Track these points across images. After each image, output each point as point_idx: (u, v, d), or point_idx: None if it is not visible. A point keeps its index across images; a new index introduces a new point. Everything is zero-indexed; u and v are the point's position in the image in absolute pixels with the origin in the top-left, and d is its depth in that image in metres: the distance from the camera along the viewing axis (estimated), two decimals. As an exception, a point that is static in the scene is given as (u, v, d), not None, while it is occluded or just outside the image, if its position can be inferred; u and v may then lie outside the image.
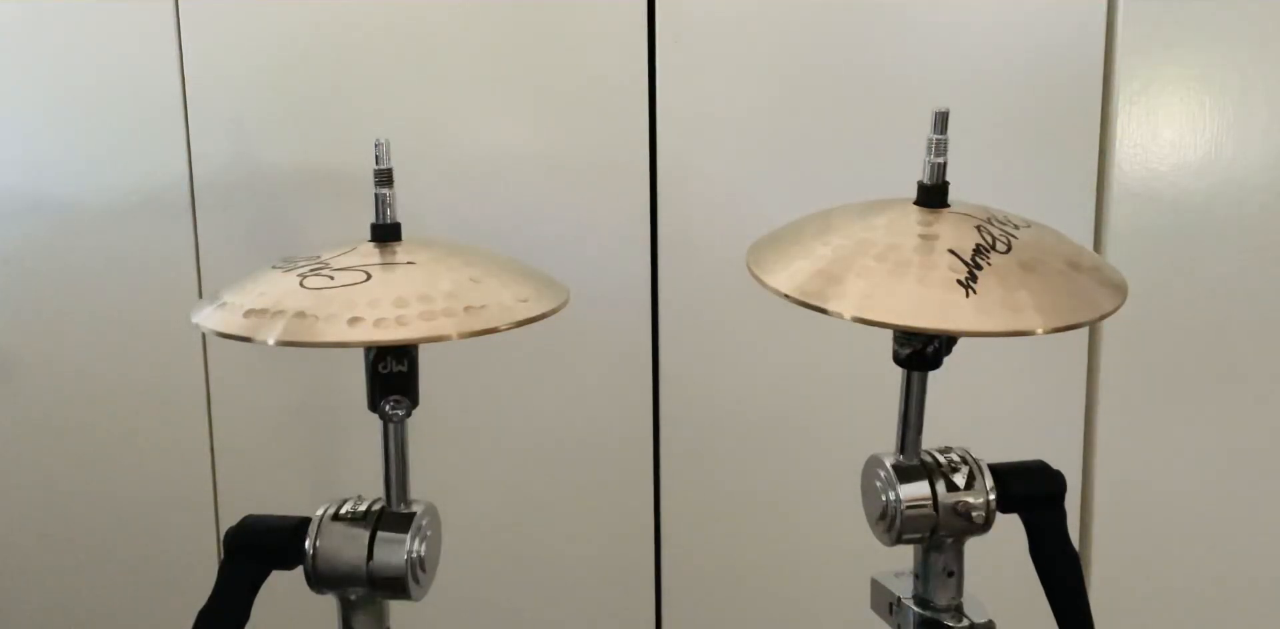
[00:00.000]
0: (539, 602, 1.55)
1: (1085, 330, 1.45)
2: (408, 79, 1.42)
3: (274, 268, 0.97)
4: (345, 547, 0.95)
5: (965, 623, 1.01)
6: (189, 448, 1.52)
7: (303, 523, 0.97)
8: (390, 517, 0.97)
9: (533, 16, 1.40)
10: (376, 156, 0.98)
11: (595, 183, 1.43)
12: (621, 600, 1.54)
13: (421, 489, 1.00)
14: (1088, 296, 0.94)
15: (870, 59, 1.41)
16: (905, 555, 1.04)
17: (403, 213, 1.00)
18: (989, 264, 0.92)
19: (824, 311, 0.90)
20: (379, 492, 0.98)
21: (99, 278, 1.48)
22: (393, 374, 0.95)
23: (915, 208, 0.98)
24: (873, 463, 1.03)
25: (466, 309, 0.91)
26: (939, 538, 1.00)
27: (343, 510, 0.97)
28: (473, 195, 1.44)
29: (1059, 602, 1.02)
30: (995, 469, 1.01)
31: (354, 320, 0.89)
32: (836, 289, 0.91)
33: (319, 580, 0.96)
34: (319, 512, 0.97)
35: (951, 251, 0.92)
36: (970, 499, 0.99)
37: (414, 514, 0.97)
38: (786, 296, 0.92)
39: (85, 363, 1.51)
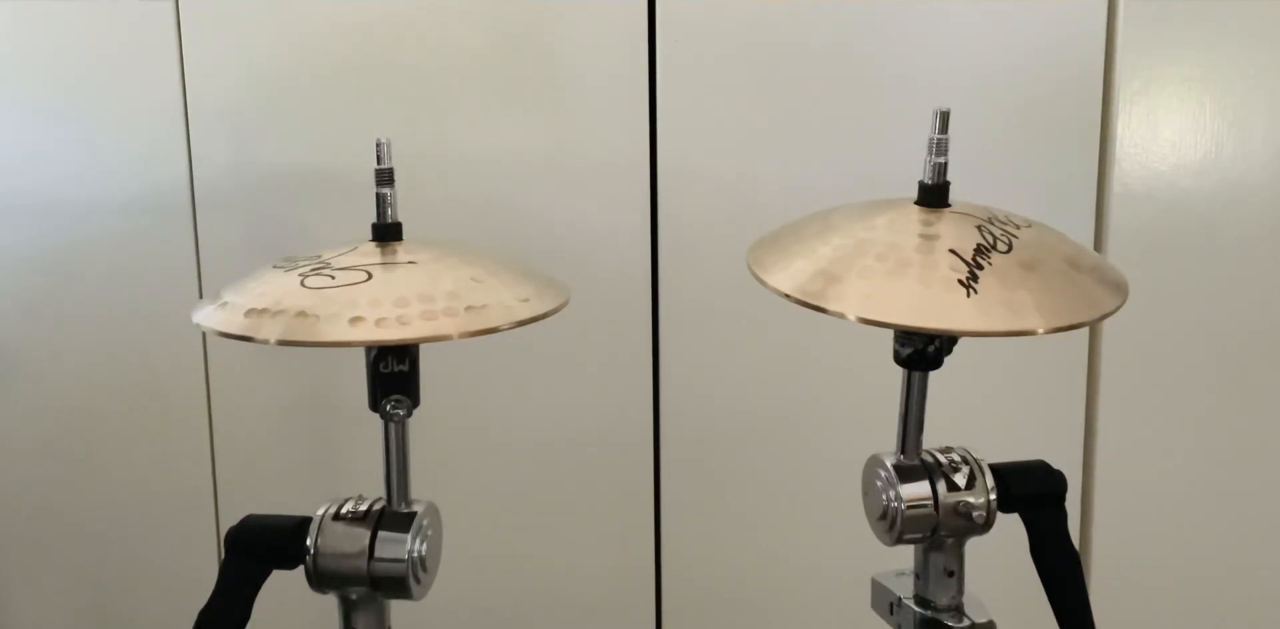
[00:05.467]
0: (539, 601, 1.55)
1: (1085, 330, 1.45)
2: (408, 79, 1.42)
3: (275, 267, 0.97)
4: (346, 546, 0.95)
5: (965, 623, 1.01)
6: (189, 447, 1.52)
7: (304, 522, 0.97)
8: (391, 516, 0.97)
9: (533, 16, 1.40)
10: (378, 156, 0.98)
11: (595, 183, 1.43)
12: (622, 600, 1.54)
13: (422, 489, 1.00)
14: (1088, 296, 0.94)
15: (871, 59, 1.41)
16: (905, 555, 1.04)
17: (403, 212, 1.00)
18: (990, 264, 0.92)
19: (825, 311, 0.90)
20: (380, 491, 0.99)
21: (99, 277, 1.48)
22: (394, 374, 0.95)
23: (916, 208, 0.98)
24: (873, 463, 1.03)
25: (468, 309, 0.91)
26: (939, 538, 1.00)
27: (343, 510, 0.97)
28: (473, 195, 1.44)
29: (1059, 602, 1.02)
30: (996, 469, 1.01)
31: (355, 320, 0.89)
32: (837, 289, 0.91)
33: (320, 580, 0.96)
34: (320, 511, 0.97)
35: (952, 251, 0.92)
36: (971, 499, 0.99)
37: (415, 514, 0.97)
38: (787, 296, 0.92)
39: (86, 362, 1.51)
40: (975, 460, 1.01)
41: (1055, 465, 1.04)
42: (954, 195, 0.99)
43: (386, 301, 0.90)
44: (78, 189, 1.46)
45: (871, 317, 0.89)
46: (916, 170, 0.99)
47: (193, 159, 1.45)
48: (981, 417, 1.43)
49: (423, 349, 0.95)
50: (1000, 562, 1.03)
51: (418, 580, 0.97)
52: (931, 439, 1.02)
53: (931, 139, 0.97)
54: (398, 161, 0.99)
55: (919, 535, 1.00)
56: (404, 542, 0.95)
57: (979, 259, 0.92)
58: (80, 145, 1.45)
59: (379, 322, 0.89)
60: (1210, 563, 1.52)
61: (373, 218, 0.99)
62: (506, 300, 0.93)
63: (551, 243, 1.42)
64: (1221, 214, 1.43)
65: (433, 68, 1.42)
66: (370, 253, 0.97)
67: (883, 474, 1.01)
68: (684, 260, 1.44)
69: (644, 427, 1.49)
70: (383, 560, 0.95)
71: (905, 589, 1.04)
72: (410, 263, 0.96)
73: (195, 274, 1.47)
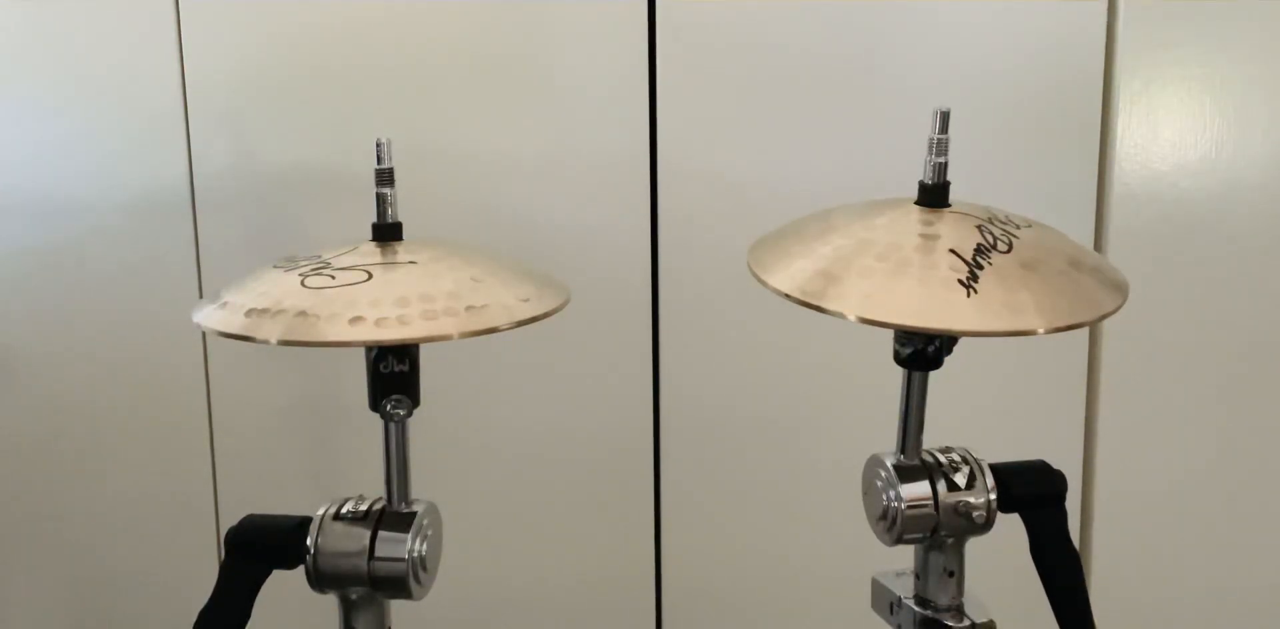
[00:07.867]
0: (539, 601, 1.55)
1: (1085, 330, 1.45)
2: (408, 78, 1.42)
3: (275, 267, 0.97)
4: (346, 546, 0.96)
5: (966, 623, 1.01)
6: (189, 448, 1.52)
7: (304, 522, 0.97)
8: (391, 516, 0.97)
9: (533, 16, 1.40)
10: (378, 156, 0.98)
11: (595, 183, 1.43)
12: (622, 600, 1.54)
13: (422, 489, 1.00)
14: (1088, 297, 0.94)
15: (871, 59, 1.41)
16: (905, 555, 1.04)
17: (403, 212, 1.00)
18: (990, 264, 0.92)
19: (825, 311, 0.90)
20: (380, 491, 0.99)
21: (99, 277, 1.48)
22: (394, 373, 0.95)
23: (916, 207, 0.98)
24: (873, 463, 1.03)
25: (468, 309, 0.91)
26: (940, 538, 1.00)
27: (344, 510, 0.97)
28: (473, 195, 1.44)
29: (1059, 602, 1.02)
30: (996, 469, 1.01)
31: (355, 320, 0.89)
32: (837, 289, 0.91)
33: (320, 580, 0.96)
34: (320, 511, 0.97)
35: (952, 251, 0.93)
36: (971, 499, 0.99)
37: (415, 513, 0.98)
38: (787, 296, 0.92)
39: (86, 362, 1.51)
40: (975, 460, 1.01)
41: (1055, 465, 1.04)
42: (954, 195, 0.99)
43: (386, 301, 0.90)
44: (77, 188, 1.46)
45: (871, 316, 0.89)
46: (916, 170, 0.99)
47: (193, 159, 1.44)
48: (981, 417, 1.43)
49: (423, 349, 0.95)
50: (1000, 562, 1.03)
51: (418, 580, 0.97)
52: (931, 439, 1.02)
53: (931, 139, 0.97)
54: (398, 161, 0.99)
55: (919, 535, 1.00)
56: (404, 542, 0.95)
57: (979, 259, 0.92)
58: (80, 145, 1.45)
59: (379, 321, 0.89)
60: (1210, 563, 1.52)
61: (373, 218, 0.99)
62: (506, 300, 0.93)
63: (551, 243, 1.41)
64: (1221, 214, 1.43)
65: (433, 67, 1.42)
66: (370, 253, 0.97)
67: (883, 474, 1.01)
68: (684, 260, 1.44)
69: (644, 427, 1.49)
70: (383, 560, 0.95)
71: (905, 589, 1.04)
72: (410, 263, 0.96)
73: (195, 274, 1.47)
